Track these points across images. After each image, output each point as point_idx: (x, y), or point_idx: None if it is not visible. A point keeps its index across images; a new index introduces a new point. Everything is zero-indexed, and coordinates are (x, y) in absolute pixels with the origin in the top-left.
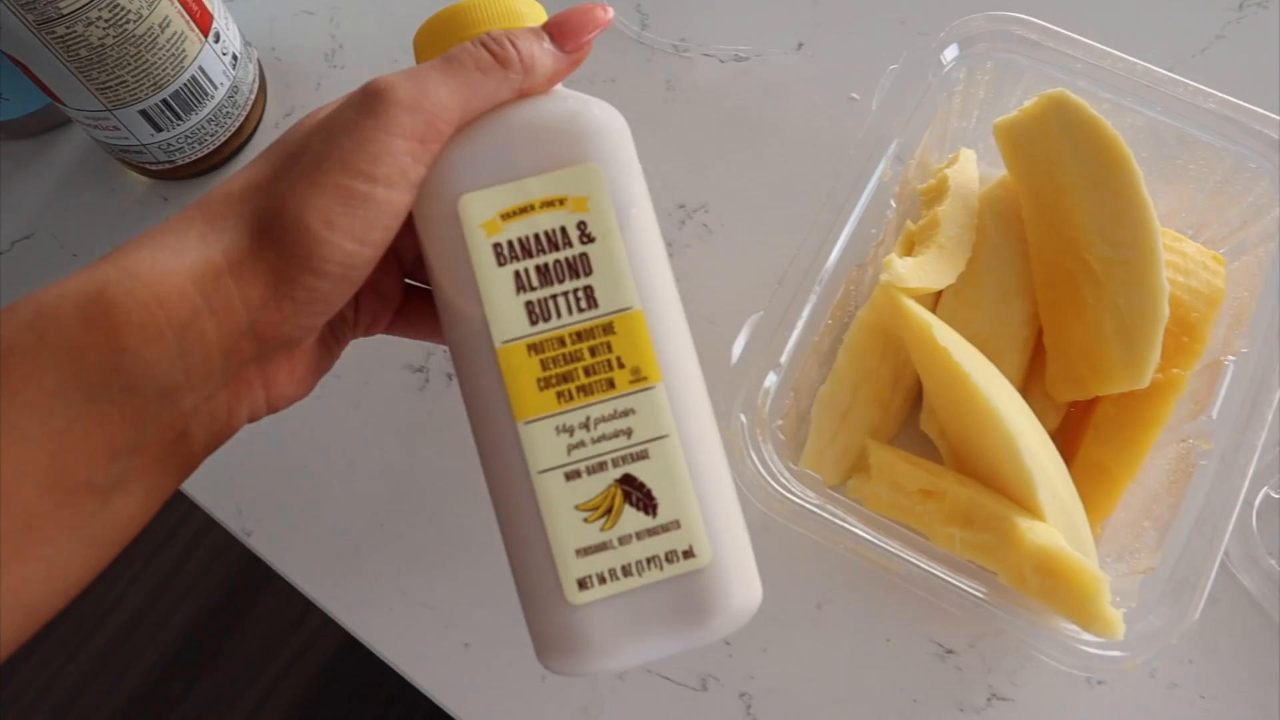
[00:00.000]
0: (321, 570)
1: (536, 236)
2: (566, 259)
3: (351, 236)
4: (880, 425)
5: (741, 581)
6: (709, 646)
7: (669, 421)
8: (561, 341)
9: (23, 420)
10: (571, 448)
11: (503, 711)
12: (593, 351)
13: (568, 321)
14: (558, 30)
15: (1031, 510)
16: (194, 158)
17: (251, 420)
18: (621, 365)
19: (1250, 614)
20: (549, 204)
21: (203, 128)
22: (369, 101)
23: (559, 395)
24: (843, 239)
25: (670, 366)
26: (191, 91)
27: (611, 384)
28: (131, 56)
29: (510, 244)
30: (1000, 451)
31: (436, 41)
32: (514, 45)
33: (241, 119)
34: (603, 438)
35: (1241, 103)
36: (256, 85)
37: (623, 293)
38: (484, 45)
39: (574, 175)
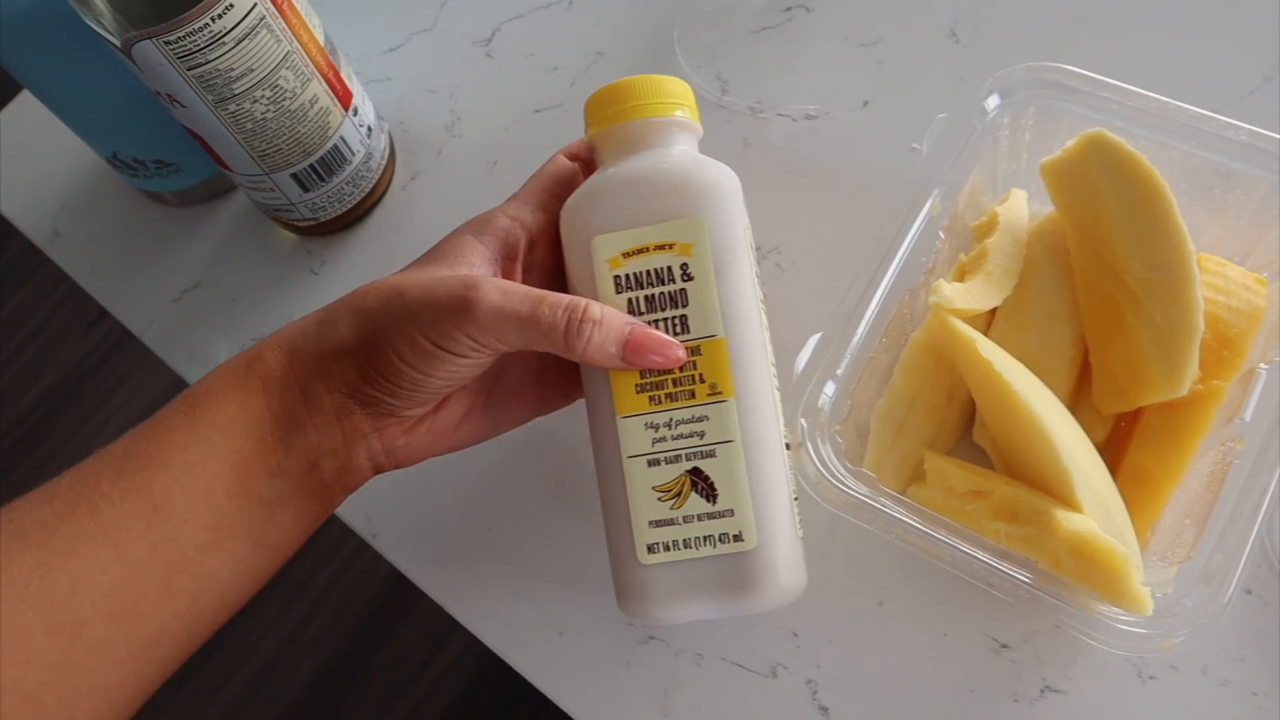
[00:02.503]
0: (435, 568)
1: (648, 272)
2: (669, 292)
3: (418, 371)
4: (936, 437)
5: (784, 569)
6: (779, 636)
7: (735, 430)
8: None
9: (217, 437)
10: (655, 440)
11: (592, 693)
12: (681, 368)
13: None
14: (635, 344)
15: (1070, 504)
16: (334, 215)
17: (377, 470)
18: (702, 380)
19: None
20: (660, 247)
21: (342, 188)
22: (459, 302)
23: (650, 399)
24: (894, 266)
25: (743, 386)
26: (334, 157)
27: (693, 395)
28: (287, 128)
29: (627, 277)
30: (1040, 451)
31: (601, 111)
32: (589, 336)
33: (374, 181)
34: (680, 436)
35: (1269, 133)
36: (387, 152)
37: (710, 324)
38: (569, 320)
39: (683, 226)
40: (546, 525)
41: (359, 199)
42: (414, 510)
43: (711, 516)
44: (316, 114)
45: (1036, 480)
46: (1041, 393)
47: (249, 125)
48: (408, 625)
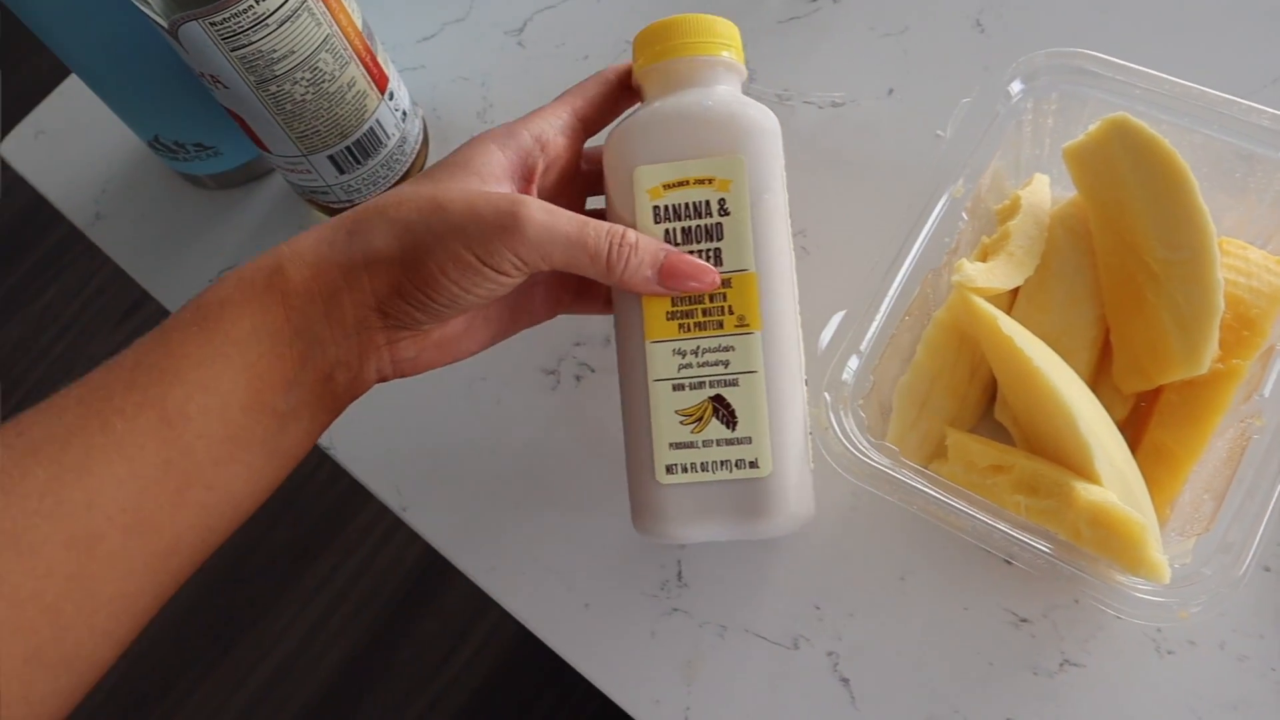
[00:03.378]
0: (466, 541)
1: (686, 205)
2: (705, 225)
3: (459, 286)
4: (958, 415)
5: (794, 497)
6: (801, 609)
7: (759, 361)
8: None
9: (232, 352)
10: (681, 366)
11: (617, 664)
12: (711, 298)
13: None
14: (670, 268)
15: (1089, 477)
16: (368, 197)
17: (381, 379)
18: (731, 312)
19: None
20: (700, 182)
21: (377, 171)
22: (508, 219)
23: (680, 326)
24: (917, 246)
25: (770, 320)
26: (370, 140)
27: (720, 325)
28: (325, 110)
29: (666, 208)
30: (1060, 426)
31: (650, 46)
32: (626, 259)
33: (409, 165)
34: (706, 364)
35: None
36: (421, 137)
37: (743, 258)
38: (611, 244)
39: (723, 163)
40: (573, 501)
41: (393, 182)
42: (444, 485)
43: (730, 443)
44: (354, 97)
45: (1057, 455)
46: (1062, 369)
47: (289, 106)
48: (430, 616)
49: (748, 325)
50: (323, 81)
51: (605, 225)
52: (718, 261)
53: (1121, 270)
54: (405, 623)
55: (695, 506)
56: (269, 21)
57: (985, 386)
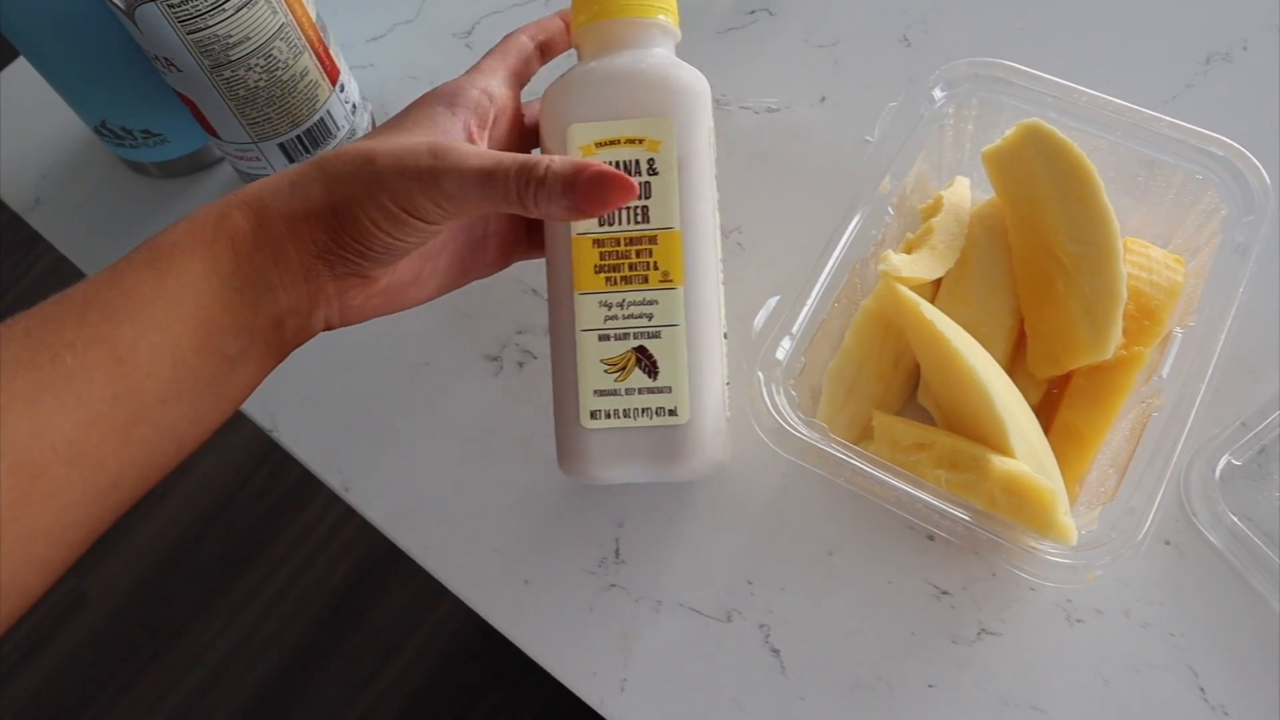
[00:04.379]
0: (407, 520)
1: (617, 164)
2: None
3: (391, 236)
4: (884, 398)
5: (710, 444)
6: (734, 584)
7: (681, 315)
8: (617, 242)
9: (184, 294)
10: (607, 318)
11: (555, 638)
12: (638, 254)
13: (624, 229)
14: (588, 188)
15: (1005, 451)
16: None
17: (327, 327)
18: (656, 268)
19: (1215, 564)
20: (631, 141)
21: None
22: (426, 169)
23: (607, 279)
24: (846, 237)
25: (693, 276)
26: (320, 130)
27: (646, 280)
28: (278, 97)
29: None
30: (977, 404)
31: (589, 6)
32: (535, 190)
33: None
34: (631, 316)
35: (1187, 124)
36: (370, 131)
37: (669, 217)
38: (519, 175)
39: (654, 124)
40: (514, 482)
41: None
42: (387, 467)
43: (651, 391)
44: (306, 86)
45: (975, 432)
46: (980, 352)
47: (242, 92)
48: (364, 626)
49: (671, 281)
50: (276, 69)
51: (519, 157)
52: (644, 219)
53: (1035, 264)
54: (336, 634)
55: (617, 450)
56: (226, 6)
57: (909, 373)
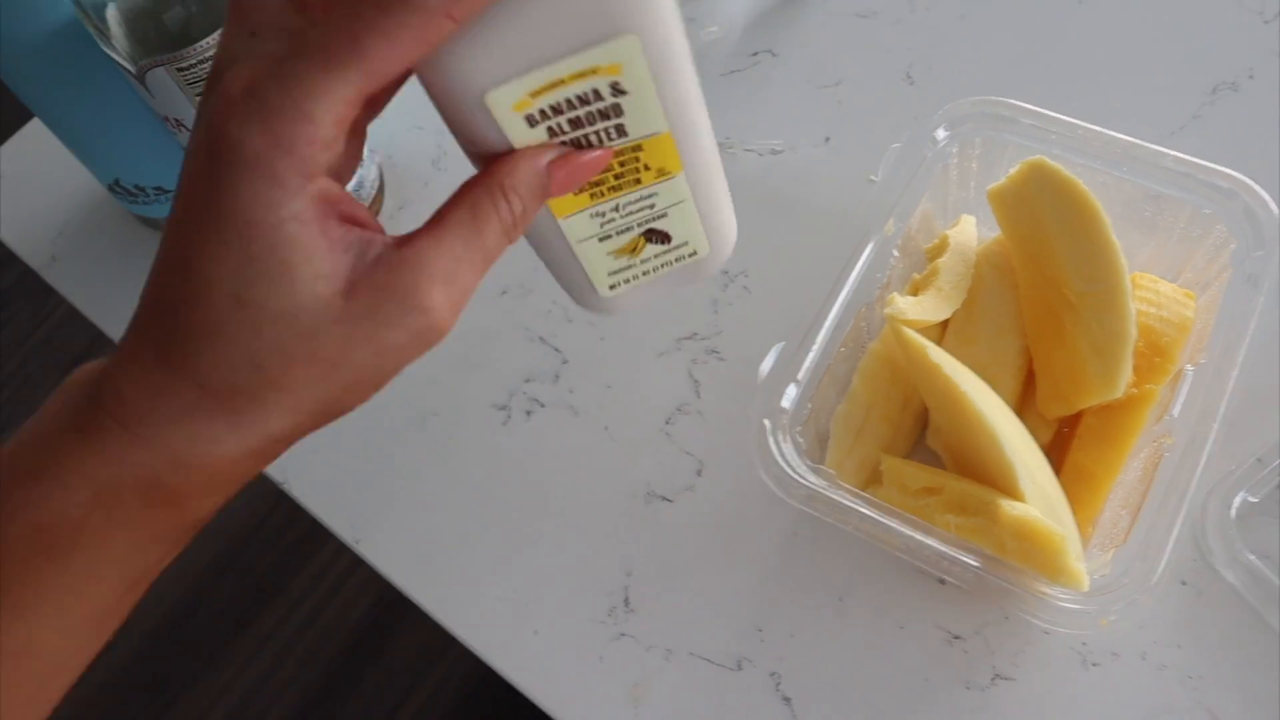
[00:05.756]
0: (418, 571)
1: (568, 100)
2: (599, 109)
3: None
4: (893, 441)
5: (728, 247)
6: (744, 632)
7: (686, 191)
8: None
9: (107, 573)
10: (604, 224)
11: (565, 687)
12: (621, 163)
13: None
14: (561, 186)
15: (1014, 495)
16: None
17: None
18: (648, 168)
19: (1233, 604)
20: (579, 76)
21: None
22: (425, 338)
23: (591, 195)
24: (851, 281)
25: (690, 158)
26: None
27: (638, 180)
28: None
29: (541, 110)
30: (986, 447)
31: None
32: (515, 220)
33: (366, 207)
34: (630, 213)
35: (1193, 159)
36: (377, 182)
37: (653, 124)
38: (493, 223)
39: (606, 51)
40: (523, 532)
41: None
42: (397, 518)
43: (667, 251)
44: None
45: (984, 476)
46: (988, 395)
47: None
48: (380, 668)
49: (669, 172)
50: None
51: (472, 213)
52: (621, 134)
53: (1042, 303)
54: (354, 674)
55: (641, 295)
56: None
57: (918, 415)
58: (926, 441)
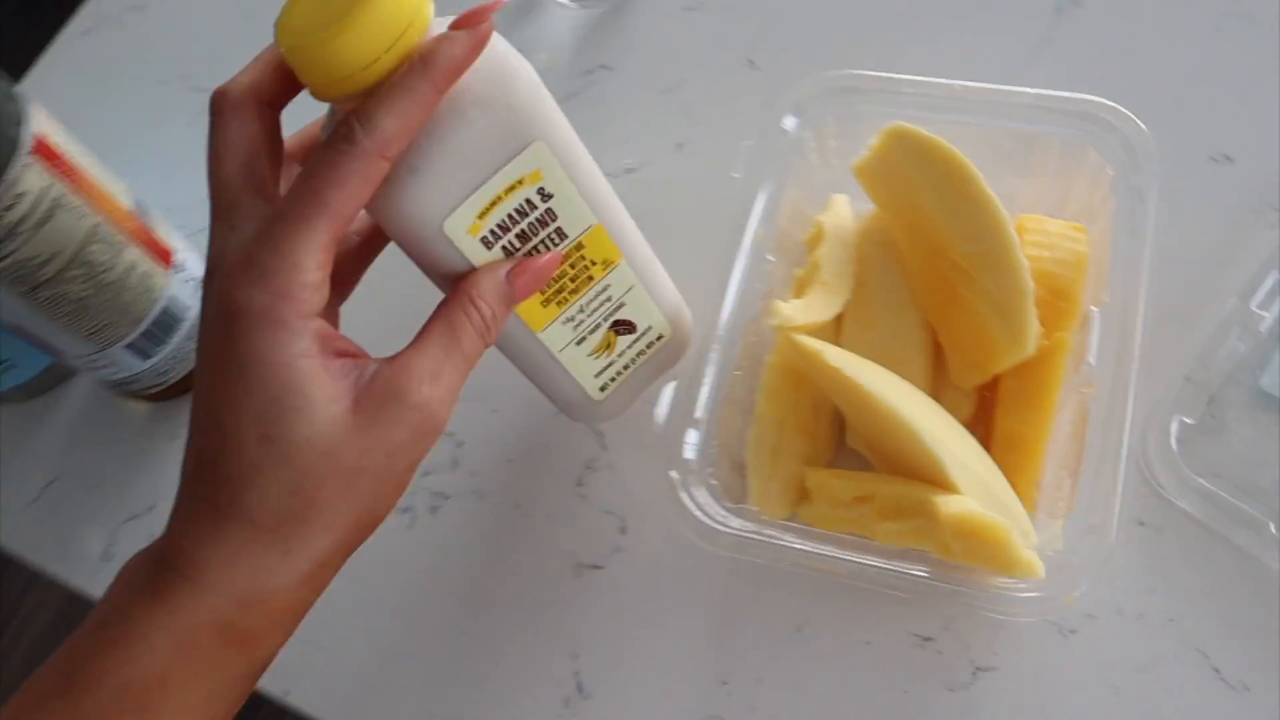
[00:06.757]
0: (354, 708)
1: (510, 215)
2: (536, 218)
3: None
4: (813, 452)
5: (683, 319)
6: (708, 689)
7: (633, 277)
8: None
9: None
10: (576, 326)
11: None
12: (572, 265)
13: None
14: (521, 292)
15: (947, 486)
16: (182, 374)
17: None
18: (594, 263)
19: (1195, 533)
20: (510, 189)
21: (183, 345)
22: (428, 442)
23: (558, 304)
24: (730, 299)
25: (625, 245)
26: (167, 318)
27: (591, 278)
28: (109, 301)
29: (492, 230)
30: (906, 442)
31: (343, 73)
32: (487, 326)
33: None
34: (595, 310)
35: (1051, 92)
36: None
37: (583, 218)
38: (469, 333)
39: (523, 160)
40: (455, 640)
41: None
42: (322, 657)
43: (637, 340)
44: (137, 280)
45: (913, 471)
46: (896, 386)
47: (68, 308)
48: None
49: (612, 261)
50: (99, 274)
51: (449, 333)
52: (562, 237)
53: (933, 272)
54: None
55: (629, 393)
56: (21, 230)
57: (834, 418)
58: (849, 443)
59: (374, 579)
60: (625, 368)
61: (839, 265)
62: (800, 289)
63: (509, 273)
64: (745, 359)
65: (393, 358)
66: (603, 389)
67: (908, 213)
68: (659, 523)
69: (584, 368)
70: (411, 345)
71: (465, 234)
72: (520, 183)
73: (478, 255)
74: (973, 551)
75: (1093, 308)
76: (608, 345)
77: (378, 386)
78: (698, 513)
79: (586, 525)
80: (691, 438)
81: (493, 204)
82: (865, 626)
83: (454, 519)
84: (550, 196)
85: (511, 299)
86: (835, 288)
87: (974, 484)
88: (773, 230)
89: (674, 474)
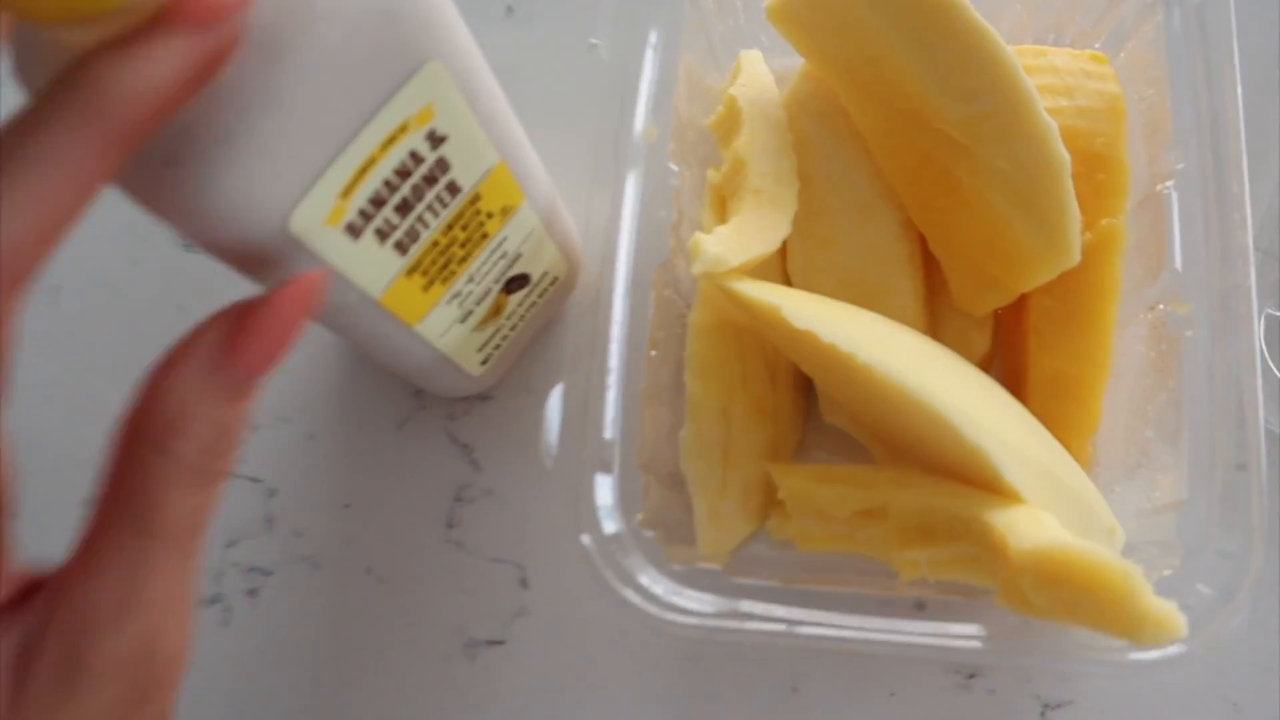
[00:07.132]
0: None
1: (386, 182)
2: (424, 174)
3: None
4: (776, 440)
5: (575, 248)
6: None
7: (534, 217)
8: (435, 244)
9: None
10: (462, 302)
11: None
12: (464, 228)
13: (436, 224)
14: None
15: (999, 491)
16: None
17: None
18: (491, 215)
19: None
20: (390, 140)
21: None
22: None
23: (442, 281)
24: (624, 244)
25: (527, 178)
26: None
27: (485, 235)
28: None
29: (362, 212)
30: (929, 430)
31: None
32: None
33: None
34: (486, 275)
35: None
36: None
37: (483, 161)
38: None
39: (410, 93)
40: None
41: None
42: None
43: (529, 292)
44: None
45: (934, 458)
46: (893, 344)
47: None
48: None
49: (513, 206)
50: None
51: (137, 496)
52: (455, 192)
53: (910, 150)
54: None
55: (511, 354)
56: None
57: (794, 384)
58: (822, 416)
59: (195, 695)
60: (514, 328)
61: (771, 158)
62: (721, 206)
63: (222, 345)
64: (660, 327)
65: (55, 588)
66: (484, 362)
67: (858, 66)
68: (574, 567)
69: (467, 345)
70: (76, 558)
71: (322, 227)
72: (404, 128)
73: (341, 253)
74: (1067, 606)
75: (1164, 186)
76: (497, 310)
77: (49, 651)
78: (634, 598)
79: (472, 584)
80: (604, 495)
81: (363, 170)
82: (883, 672)
83: (283, 602)
84: (443, 140)
85: (242, 389)
86: (773, 195)
87: (1038, 480)
88: (668, 123)
89: (589, 541)
